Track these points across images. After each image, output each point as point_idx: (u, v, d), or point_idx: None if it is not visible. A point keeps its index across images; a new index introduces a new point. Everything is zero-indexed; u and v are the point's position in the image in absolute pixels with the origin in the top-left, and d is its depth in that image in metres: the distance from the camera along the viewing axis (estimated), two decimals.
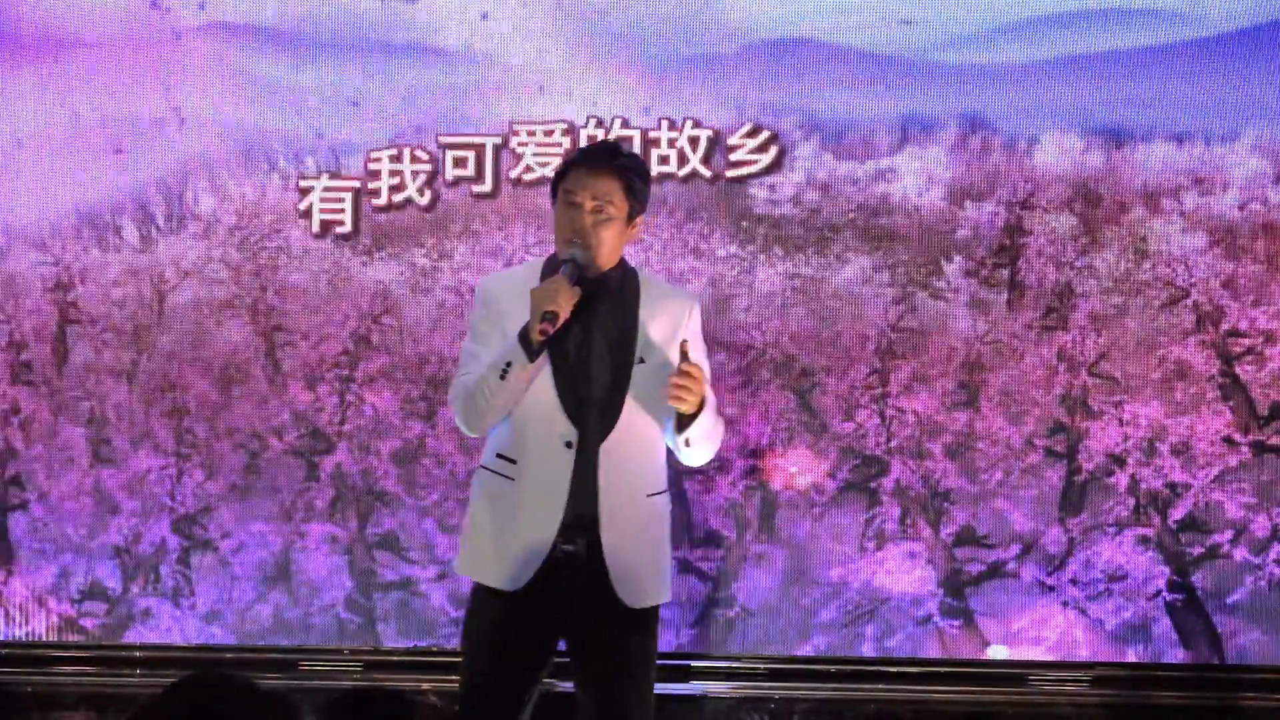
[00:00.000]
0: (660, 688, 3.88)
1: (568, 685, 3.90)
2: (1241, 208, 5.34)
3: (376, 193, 5.64)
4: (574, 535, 3.72)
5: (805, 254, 5.49)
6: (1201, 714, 5.29)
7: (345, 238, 5.66)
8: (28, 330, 5.80)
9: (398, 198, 5.64)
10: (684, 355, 3.66)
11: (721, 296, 5.49)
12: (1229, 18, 5.32)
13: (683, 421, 3.71)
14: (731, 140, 5.50)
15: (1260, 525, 5.30)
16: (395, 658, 5.60)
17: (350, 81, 5.67)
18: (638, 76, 5.55)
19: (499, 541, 3.76)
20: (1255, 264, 5.33)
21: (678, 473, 5.21)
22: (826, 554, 5.46)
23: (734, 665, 5.47)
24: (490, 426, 3.79)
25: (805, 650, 5.45)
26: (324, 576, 5.66)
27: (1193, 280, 5.34)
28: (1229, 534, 5.32)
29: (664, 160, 5.52)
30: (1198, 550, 5.33)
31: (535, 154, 5.56)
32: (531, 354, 3.64)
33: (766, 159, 5.50)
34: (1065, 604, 5.38)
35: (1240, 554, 5.31)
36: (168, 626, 5.71)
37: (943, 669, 5.40)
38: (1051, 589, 5.38)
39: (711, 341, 5.32)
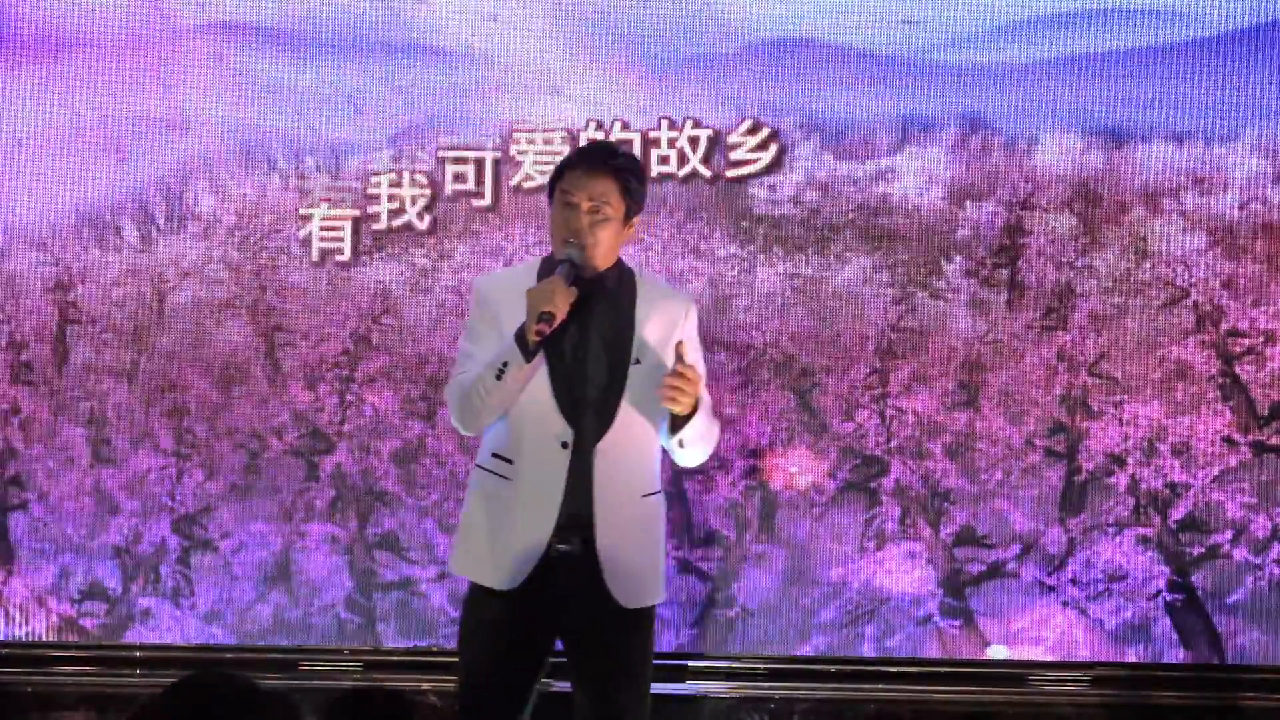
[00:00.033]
0: (660, 688, 3.88)
1: (564, 685, 3.90)
2: (1241, 208, 5.34)
3: (376, 217, 5.65)
4: (569, 535, 3.73)
5: (805, 254, 5.49)
6: (1201, 714, 5.28)
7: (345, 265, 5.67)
8: (28, 330, 5.80)
9: (397, 222, 5.65)
10: (679, 357, 3.67)
11: (721, 296, 5.49)
12: (1229, 18, 5.32)
13: (677, 423, 3.72)
14: (731, 138, 5.50)
15: (1260, 525, 5.30)
16: (395, 658, 5.61)
17: (350, 81, 5.67)
18: (638, 76, 5.55)
19: (494, 541, 3.76)
20: (1255, 264, 5.33)
21: (678, 473, 5.21)
22: (826, 554, 5.46)
23: (734, 665, 5.47)
24: (486, 426, 3.80)
25: (805, 650, 5.45)
26: (324, 576, 5.66)
27: (1193, 280, 5.34)
28: (1229, 534, 5.31)
29: (664, 160, 5.52)
30: (1198, 550, 5.33)
31: (535, 162, 5.56)
32: (528, 354, 3.65)
33: (766, 158, 5.50)
34: (1065, 604, 5.37)
35: (1240, 554, 5.31)
36: (168, 626, 5.71)
37: (943, 669, 5.40)
38: (1051, 589, 5.38)
39: (711, 341, 5.34)
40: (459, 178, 5.62)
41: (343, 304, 5.66)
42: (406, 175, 5.64)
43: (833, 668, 5.43)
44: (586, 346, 3.75)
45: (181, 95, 5.72)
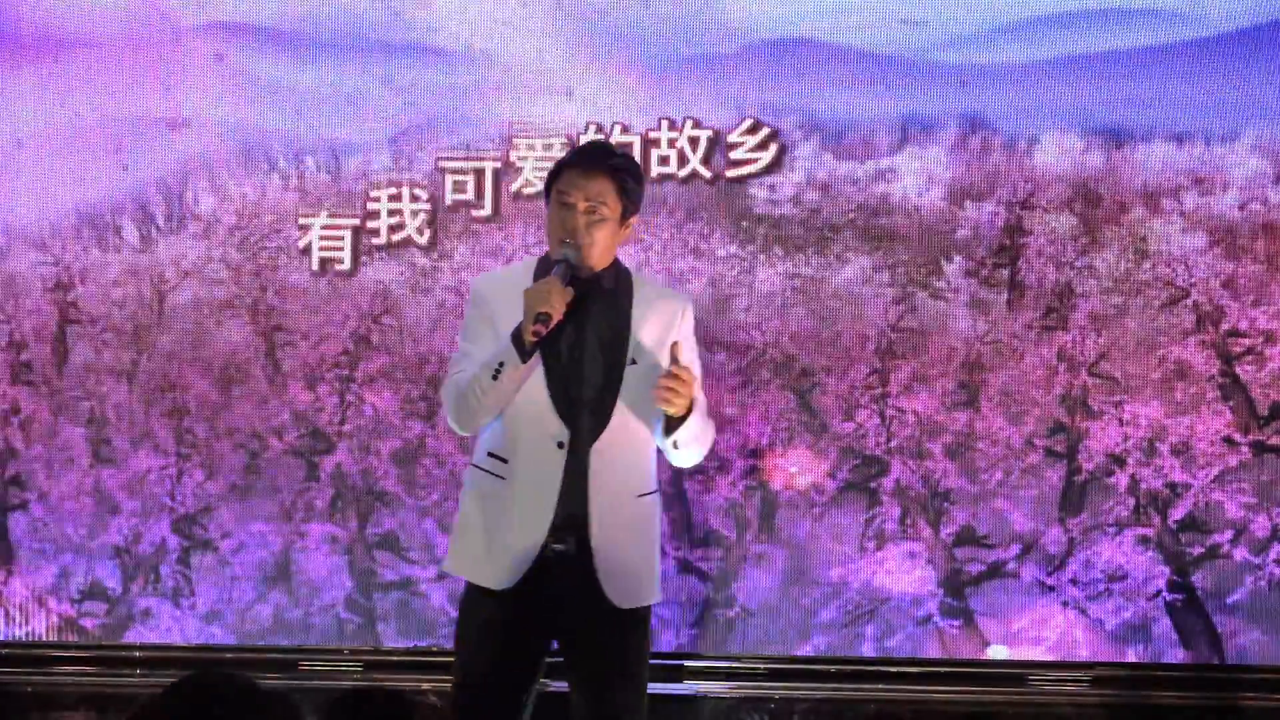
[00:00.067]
0: (660, 688, 3.88)
1: (562, 685, 3.90)
2: (1241, 208, 5.34)
3: (376, 232, 5.64)
4: (564, 535, 3.73)
5: (805, 254, 5.49)
6: (1201, 714, 5.28)
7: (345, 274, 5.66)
8: (28, 330, 5.80)
9: (397, 237, 5.64)
10: (674, 358, 3.67)
11: (721, 296, 5.49)
12: (1229, 18, 5.32)
13: (671, 424, 3.72)
14: (731, 138, 5.50)
15: (1260, 525, 5.30)
16: (395, 658, 5.60)
17: (350, 81, 5.67)
18: (638, 76, 5.55)
19: (490, 540, 3.77)
20: (1255, 264, 5.32)
21: (677, 473, 5.21)
22: (826, 554, 5.45)
23: (734, 665, 5.46)
24: (482, 425, 3.80)
25: (805, 650, 5.45)
26: (324, 576, 5.66)
27: (1193, 280, 5.33)
28: (1229, 534, 5.31)
29: (664, 160, 5.52)
30: (1198, 550, 5.33)
31: (535, 168, 5.56)
32: (524, 355, 3.65)
33: (766, 158, 5.50)
34: (1065, 604, 5.37)
35: (1240, 554, 5.31)
36: (168, 626, 5.71)
37: (943, 669, 5.40)
38: (1051, 589, 5.38)
39: (711, 341, 5.34)
40: (459, 187, 5.62)
41: (343, 304, 5.66)
42: (406, 191, 5.63)
43: (833, 668, 5.43)
44: (583, 347, 3.75)
45: (181, 95, 5.72)
